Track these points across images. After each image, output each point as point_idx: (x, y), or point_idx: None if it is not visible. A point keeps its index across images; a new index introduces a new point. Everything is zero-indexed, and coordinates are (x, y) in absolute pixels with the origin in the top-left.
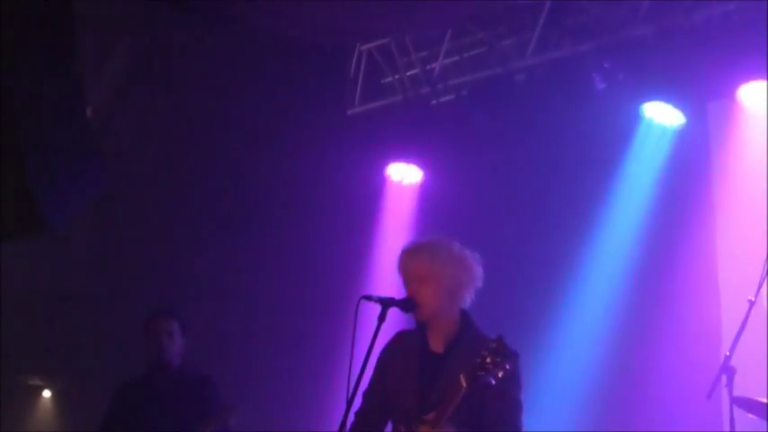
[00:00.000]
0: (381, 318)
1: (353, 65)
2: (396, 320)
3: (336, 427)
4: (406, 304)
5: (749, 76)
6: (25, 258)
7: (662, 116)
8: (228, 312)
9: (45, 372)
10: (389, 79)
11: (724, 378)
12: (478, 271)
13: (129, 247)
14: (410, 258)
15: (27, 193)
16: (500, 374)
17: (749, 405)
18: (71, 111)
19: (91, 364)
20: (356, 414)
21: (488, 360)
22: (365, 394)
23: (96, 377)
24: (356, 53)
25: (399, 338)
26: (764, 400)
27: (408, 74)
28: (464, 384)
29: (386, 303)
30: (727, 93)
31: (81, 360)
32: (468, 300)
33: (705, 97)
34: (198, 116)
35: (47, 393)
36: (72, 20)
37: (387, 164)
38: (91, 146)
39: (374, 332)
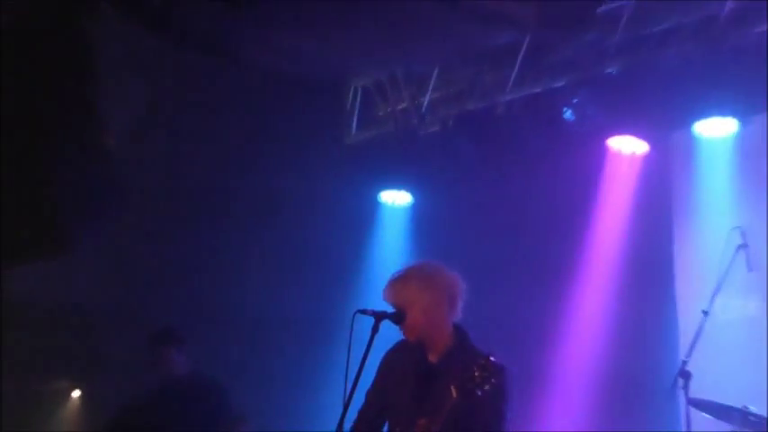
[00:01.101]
0: (375, 329)
1: (350, 99)
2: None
3: (335, 426)
4: (396, 317)
5: (705, 112)
6: (50, 273)
7: (628, 146)
8: (232, 325)
9: (73, 374)
10: (382, 112)
11: (681, 381)
12: (456, 288)
13: (142, 266)
14: (388, 290)
15: (47, 217)
16: (486, 388)
17: (703, 405)
18: (92, 142)
19: (117, 366)
20: (359, 412)
21: (477, 375)
22: (368, 394)
23: (124, 379)
24: (352, 88)
25: (402, 346)
26: (717, 401)
27: (399, 107)
28: (454, 395)
29: (379, 316)
30: (686, 125)
31: (108, 363)
32: (454, 314)
33: (667, 129)
34: (208, 145)
35: (75, 394)
36: (97, 69)
37: (380, 188)
38: (109, 175)
39: (368, 342)
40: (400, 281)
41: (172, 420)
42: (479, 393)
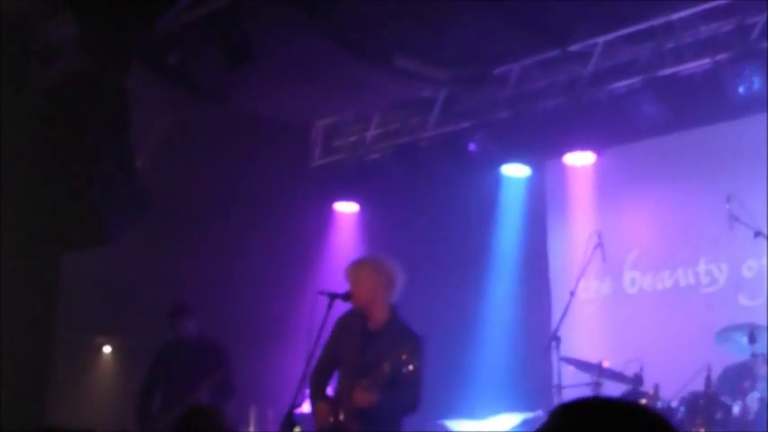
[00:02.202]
0: (329, 306)
1: (314, 133)
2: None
3: (300, 374)
4: (345, 297)
5: (572, 146)
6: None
7: (515, 171)
8: (223, 306)
9: (106, 330)
10: (338, 143)
11: (554, 343)
12: (398, 278)
13: (162, 252)
14: (349, 268)
15: (93, 216)
16: (410, 367)
17: (570, 361)
18: (126, 163)
19: (145, 324)
20: (317, 361)
21: (404, 357)
22: (324, 350)
23: (150, 336)
24: (316, 126)
25: (350, 314)
26: (580, 358)
27: (350, 139)
28: (386, 370)
29: (332, 296)
30: (558, 156)
31: (136, 321)
32: (391, 295)
33: (544, 158)
34: (207, 168)
35: (107, 349)
36: (129, 111)
37: (335, 200)
38: (138, 187)
39: (324, 315)
40: (357, 264)
41: (186, 369)
42: (404, 372)
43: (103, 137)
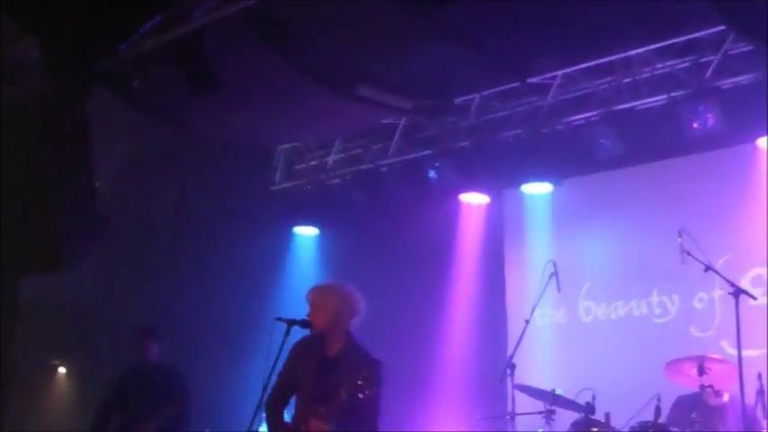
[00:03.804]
0: (287, 332)
1: (276, 157)
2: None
3: (256, 398)
4: (304, 324)
5: (529, 177)
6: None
7: (474, 199)
8: (181, 329)
9: (61, 352)
10: (299, 168)
11: (508, 371)
12: (359, 307)
13: (118, 277)
14: (312, 293)
15: (53, 240)
16: (367, 392)
17: (524, 389)
18: (86, 186)
19: (100, 347)
20: (273, 388)
21: (360, 383)
22: (279, 375)
23: (105, 358)
24: (277, 150)
25: (307, 340)
26: (534, 386)
27: (311, 164)
28: (343, 397)
29: (290, 323)
30: (516, 185)
31: (91, 344)
32: (351, 323)
33: (502, 187)
34: (166, 191)
35: (62, 370)
36: (89, 133)
37: (295, 224)
38: (97, 210)
39: (282, 341)
40: (322, 289)
41: (145, 394)
42: (361, 396)
43: (64, 160)
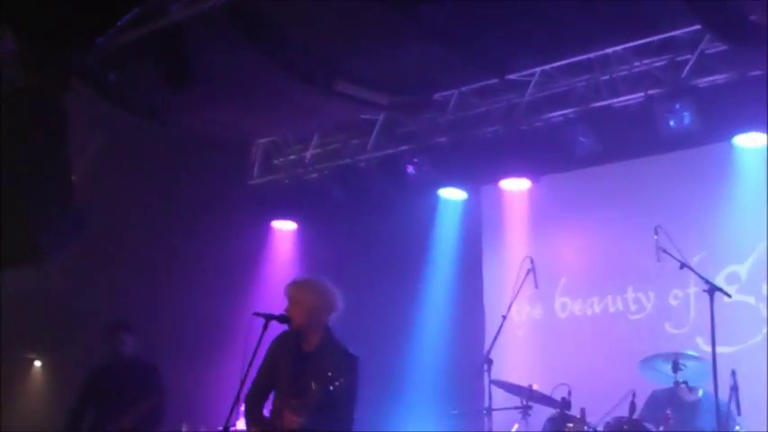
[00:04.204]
0: (265, 327)
1: (254, 152)
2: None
3: (234, 393)
4: (282, 319)
5: (508, 172)
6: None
7: (452, 195)
8: (158, 323)
9: (37, 346)
10: (277, 162)
11: (486, 366)
12: (337, 302)
13: (93, 271)
14: (290, 288)
15: (31, 235)
16: (337, 384)
17: (501, 384)
18: (63, 180)
19: (75, 340)
20: (251, 384)
21: (330, 375)
22: (259, 371)
23: (80, 351)
24: (255, 144)
25: (284, 336)
26: (511, 381)
27: (290, 158)
28: (314, 388)
29: (268, 317)
30: (494, 181)
31: (67, 337)
32: (329, 319)
33: (480, 183)
34: (144, 185)
35: (38, 364)
36: (66, 126)
37: (273, 218)
38: (75, 204)
39: (260, 336)
40: (300, 284)
41: (120, 389)
42: (332, 389)
43: (41, 153)
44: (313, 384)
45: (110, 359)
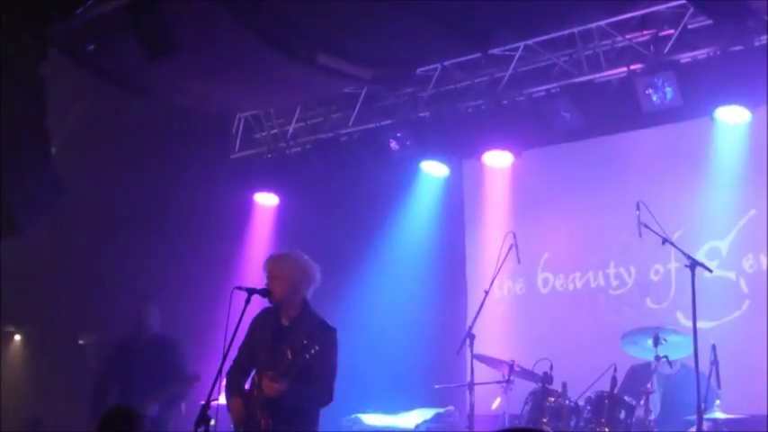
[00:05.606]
0: (247, 301)
1: (235, 125)
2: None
3: (215, 371)
4: (264, 293)
5: (490, 146)
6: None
7: (434, 169)
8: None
9: (17, 319)
10: (259, 136)
11: (468, 341)
12: (316, 275)
13: (73, 241)
14: (269, 263)
15: (7, 206)
16: (312, 352)
17: (483, 359)
18: (41, 151)
19: (55, 313)
20: (234, 360)
21: (305, 342)
22: (240, 348)
23: (60, 325)
24: (237, 118)
25: (264, 312)
26: (493, 356)
27: (272, 132)
28: (290, 357)
29: (250, 292)
30: (476, 156)
31: (47, 311)
32: (308, 292)
33: (462, 158)
34: (123, 158)
35: (17, 337)
36: (45, 97)
37: (255, 192)
38: (52, 175)
39: (242, 310)
40: (279, 258)
41: (146, 366)
42: (308, 357)
43: (19, 124)
44: (289, 353)
45: (135, 333)
